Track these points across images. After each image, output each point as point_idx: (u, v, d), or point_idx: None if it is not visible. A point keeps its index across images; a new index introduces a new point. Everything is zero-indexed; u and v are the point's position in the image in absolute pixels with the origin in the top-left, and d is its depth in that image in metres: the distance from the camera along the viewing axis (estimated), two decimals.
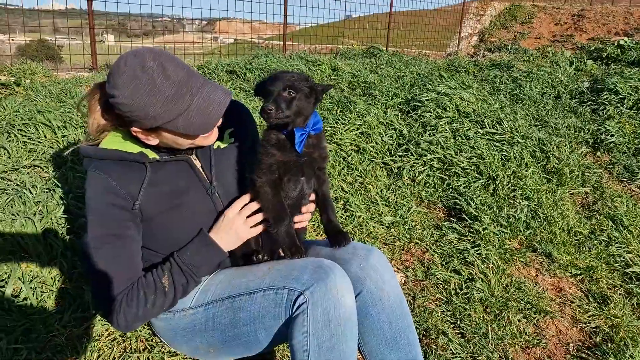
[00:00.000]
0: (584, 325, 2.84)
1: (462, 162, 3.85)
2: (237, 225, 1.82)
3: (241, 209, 1.85)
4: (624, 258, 3.37)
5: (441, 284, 2.86)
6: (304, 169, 1.87)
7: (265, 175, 1.81)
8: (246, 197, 1.87)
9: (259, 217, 1.84)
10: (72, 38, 8.68)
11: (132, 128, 1.66)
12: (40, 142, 3.21)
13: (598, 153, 5.12)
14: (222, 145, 1.99)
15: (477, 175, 3.82)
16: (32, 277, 2.11)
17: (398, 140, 4.05)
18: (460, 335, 2.55)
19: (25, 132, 3.21)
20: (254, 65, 5.99)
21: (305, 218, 1.99)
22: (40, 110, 3.53)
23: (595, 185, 4.34)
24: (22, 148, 3.12)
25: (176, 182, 1.81)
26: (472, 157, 3.94)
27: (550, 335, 2.73)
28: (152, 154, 1.78)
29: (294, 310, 1.59)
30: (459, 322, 2.61)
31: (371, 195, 3.53)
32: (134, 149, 1.76)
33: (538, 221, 3.54)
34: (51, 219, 2.32)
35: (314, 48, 11.93)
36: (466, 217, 3.35)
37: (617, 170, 4.70)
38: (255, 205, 1.84)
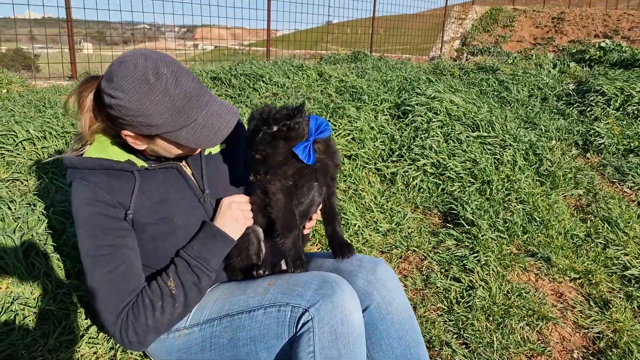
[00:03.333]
0: (586, 330, 2.78)
1: (456, 167, 3.79)
2: (234, 211, 1.74)
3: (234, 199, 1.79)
4: (621, 260, 3.33)
5: (442, 292, 2.78)
6: (319, 174, 1.78)
7: (280, 182, 1.72)
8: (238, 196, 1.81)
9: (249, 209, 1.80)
10: (49, 46, 8.48)
11: (123, 131, 1.55)
12: (18, 154, 3.06)
13: (588, 155, 5.11)
14: (214, 152, 1.89)
15: (471, 179, 3.76)
16: (13, 299, 1.97)
17: (390, 145, 3.98)
18: (464, 345, 2.47)
19: (3, 144, 3.06)
20: (238, 71, 5.88)
21: (313, 225, 1.92)
22: (18, 121, 3.38)
23: (588, 187, 4.31)
24: None
25: (166, 191, 1.71)
26: (465, 162, 3.88)
27: (554, 342, 2.66)
28: (140, 162, 1.67)
29: (298, 329, 1.49)
30: (462, 332, 2.52)
31: (365, 202, 3.44)
32: (121, 156, 1.66)
33: (534, 225, 3.48)
34: (32, 235, 2.18)
35: (296, 53, 11.86)
36: (463, 223, 3.28)
37: (608, 172, 4.69)
38: (246, 199, 1.81)
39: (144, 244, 1.67)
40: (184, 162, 1.80)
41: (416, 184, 3.65)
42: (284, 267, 1.88)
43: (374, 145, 3.93)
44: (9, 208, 2.37)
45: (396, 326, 1.67)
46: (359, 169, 3.70)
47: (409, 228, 3.26)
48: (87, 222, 1.55)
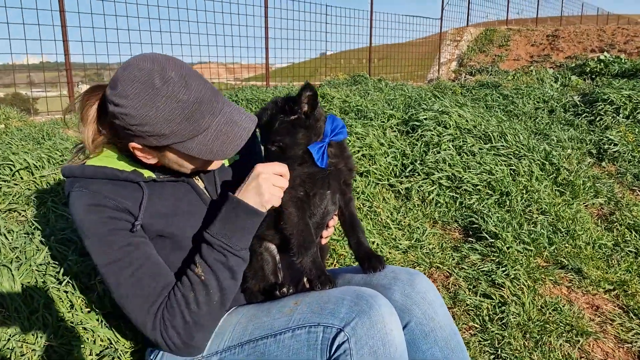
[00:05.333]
0: (629, 345, 2.57)
1: (472, 179, 3.63)
2: (261, 183, 1.46)
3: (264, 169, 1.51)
4: None
5: (472, 310, 2.58)
6: (330, 181, 1.62)
7: (289, 192, 1.56)
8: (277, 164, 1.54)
9: (285, 182, 1.52)
10: (48, 90, 8.43)
11: (131, 143, 1.40)
12: (16, 184, 2.91)
13: (603, 163, 4.96)
14: (227, 163, 1.74)
15: (489, 191, 3.60)
16: (10, 335, 1.79)
17: (402, 160, 3.83)
18: None
19: None
20: (240, 96, 5.79)
21: (330, 233, 1.75)
22: (15, 152, 3.24)
23: (609, 195, 4.14)
24: None
25: (177, 205, 1.55)
26: (481, 173, 3.72)
27: (598, 359, 2.46)
28: (147, 173, 1.51)
29: (333, 352, 1.31)
30: (499, 352, 2.32)
31: (382, 219, 3.27)
32: (127, 167, 1.50)
33: (560, 235, 3.30)
34: (30, 265, 2.01)
35: (294, 84, 11.85)
36: (486, 236, 3.10)
37: (628, 180, 4.53)
38: (281, 169, 1.51)
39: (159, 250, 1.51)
40: (196, 177, 1.64)
41: (432, 198, 3.49)
42: (306, 285, 1.71)
43: (386, 161, 3.78)
44: (6, 238, 2.20)
45: (440, 344, 1.48)
46: (372, 185, 3.55)
47: (429, 244, 3.09)
48: (94, 230, 1.39)
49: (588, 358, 2.44)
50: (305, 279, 1.67)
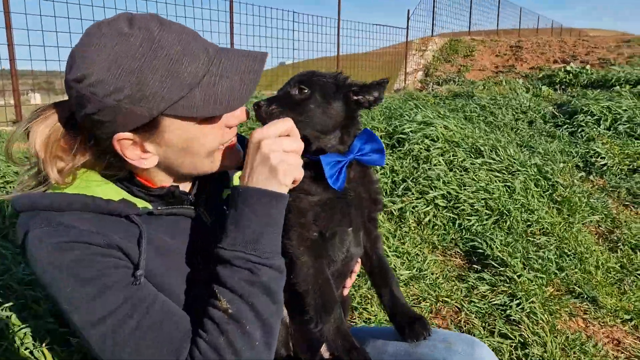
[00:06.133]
0: None
1: (470, 199, 3.33)
2: (268, 154, 1.02)
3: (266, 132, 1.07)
4: None
5: None
6: (352, 214, 1.24)
7: (298, 236, 1.17)
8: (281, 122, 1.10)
9: (297, 143, 1.08)
10: None
11: (116, 136, 0.99)
12: None
13: (591, 177, 4.78)
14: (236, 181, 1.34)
15: (487, 212, 3.31)
16: None
17: (392, 178, 3.50)
18: None
19: None
20: None
21: (353, 281, 1.40)
22: None
23: (605, 212, 3.93)
24: None
25: (181, 248, 1.13)
26: (477, 191, 3.43)
27: None
28: (141, 202, 1.09)
29: None
30: None
31: None
32: (113, 194, 1.06)
33: (568, 260, 3.03)
34: None
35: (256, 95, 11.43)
36: (493, 263, 2.78)
37: (620, 195, 4.34)
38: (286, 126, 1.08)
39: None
40: (201, 208, 1.21)
41: (429, 220, 3.16)
42: (325, 354, 1.32)
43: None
44: None
45: None
46: None
47: (432, 274, 2.75)
48: (72, 272, 0.94)
49: None
50: (325, 350, 1.28)
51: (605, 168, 4.82)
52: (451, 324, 2.43)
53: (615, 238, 3.56)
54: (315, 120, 1.18)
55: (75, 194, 1.01)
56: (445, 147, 3.99)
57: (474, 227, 3.17)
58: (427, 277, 2.71)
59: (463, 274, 2.83)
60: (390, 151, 4.06)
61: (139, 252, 1.01)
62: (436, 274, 2.76)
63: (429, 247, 3.01)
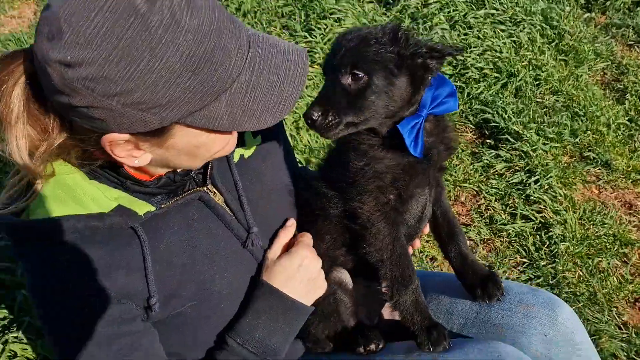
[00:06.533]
0: None
1: (478, 62, 3.10)
2: (318, 269, 1.10)
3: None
4: None
5: (515, 240, 2.26)
6: (430, 172, 1.11)
7: (374, 200, 1.04)
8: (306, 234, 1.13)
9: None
10: None
11: (106, 137, 0.80)
12: None
13: (593, 14, 4.48)
14: (247, 153, 1.14)
15: (496, 74, 3.11)
16: None
17: None
18: None
19: None
20: None
21: (418, 245, 1.33)
22: None
23: (610, 58, 3.74)
24: None
25: (193, 244, 0.99)
26: (484, 52, 3.19)
27: None
28: (141, 206, 0.92)
29: None
30: (556, 291, 2.06)
31: None
32: (103, 200, 0.89)
33: (580, 122, 2.94)
34: None
35: None
36: (509, 138, 2.68)
37: (623, 34, 4.11)
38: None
39: (172, 332, 0.99)
40: (209, 185, 1.05)
41: None
42: (387, 314, 1.25)
43: None
44: None
45: None
46: None
47: None
48: (59, 324, 0.87)
49: (638, 270, 2.25)
50: (392, 311, 1.21)
51: (607, 3, 4.50)
52: (472, 210, 2.40)
53: (622, 87, 3.44)
54: (380, 110, 0.99)
55: (61, 217, 0.84)
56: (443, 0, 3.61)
57: (483, 94, 3.00)
58: None
59: (477, 150, 2.73)
60: (384, 9, 3.68)
61: (146, 280, 0.90)
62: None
63: None
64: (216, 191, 1.06)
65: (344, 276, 1.16)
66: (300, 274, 1.05)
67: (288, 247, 1.12)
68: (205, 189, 1.03)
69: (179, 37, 0.70)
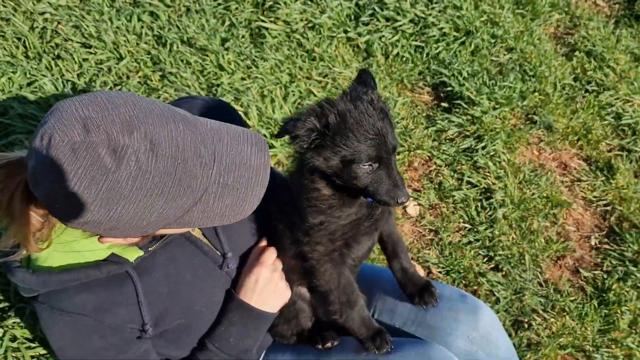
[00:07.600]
0: (595, 206, 2.72)
1: (439, 21, 3.18)
2: (277, 283, 1.33)
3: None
4: (614, 108, 3.16)
5: (460, 205, 2.52)
6: (379, 220, 1.29)
7: (324, 247, 1.23)
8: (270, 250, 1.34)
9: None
10: None
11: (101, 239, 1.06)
12: None
13: None
14: None
15: (455, 34, 3.21)
16: None
17: (356, 1, 3.22)
18: (497, 270, 2.34)
19: None
20: None
21: None
22: None
23: (565, 9, 3.86)
24: None
25: (176, 275, 1.20)
26: (445, 9, 3.26)
27: (572, 231, 2.60)
28: (132, 253, 1.12)
29: None
30: (491, 254, 2.36)
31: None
32: (99, 252, 1.07)
33: (529, 83, 3.13)
34: None
35: None
36: (462, 103, 2.86)
37: None
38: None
39: (162, 344, 1.23)
40: None
41: (397, 53, 3.07)
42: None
43: (338, 3, 3.15)
44: None
45: None
46: (327, 43, 3.02)
47: (402, 119, 2.82)
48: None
49: (564, 234, 2.57)
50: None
51: None
52: (423, 175, 2.63)
53: (573, 41, 3.61)
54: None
55: (63, 271, 1.04)
56: None
57: (442, 55, 3.12)
58: (398, 123, 2.79)
59: (431, 113, 2.91)
60: None
61: (141, 313, 1.12)
62: (406, 117, 2.84)
63: (398, 84, 3.00)
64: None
65: (303, 290, 1.39)
66: (259, 288, 1.27)
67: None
68: None
69: (147, 182, 0.85)
